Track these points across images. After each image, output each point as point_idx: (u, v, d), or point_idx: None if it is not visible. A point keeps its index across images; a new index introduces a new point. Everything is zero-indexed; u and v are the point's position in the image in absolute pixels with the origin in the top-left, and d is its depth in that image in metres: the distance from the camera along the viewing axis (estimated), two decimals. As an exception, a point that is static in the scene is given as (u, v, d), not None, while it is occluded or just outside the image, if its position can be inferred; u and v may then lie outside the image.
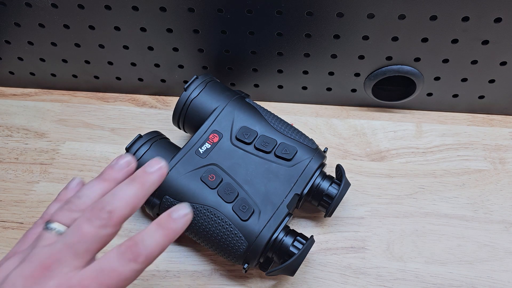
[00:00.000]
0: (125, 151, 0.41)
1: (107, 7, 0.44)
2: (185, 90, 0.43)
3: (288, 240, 0.39)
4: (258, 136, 0.41)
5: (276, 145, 0.41)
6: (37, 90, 0.56)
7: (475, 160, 0.48)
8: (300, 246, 0.38)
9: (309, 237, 0.39)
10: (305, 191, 0.40)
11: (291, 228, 0.40)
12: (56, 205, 0.32)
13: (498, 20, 0.40)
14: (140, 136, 0.42)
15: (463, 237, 0.44)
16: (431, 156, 0.49)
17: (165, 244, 0.29)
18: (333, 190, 0.41)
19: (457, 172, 0.48)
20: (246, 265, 0.38)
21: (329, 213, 0.41)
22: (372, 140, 0.50)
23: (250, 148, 0.41)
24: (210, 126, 0.42)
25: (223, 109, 0.42)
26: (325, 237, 0.44)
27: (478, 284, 0.41)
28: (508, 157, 0.48)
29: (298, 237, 0.39)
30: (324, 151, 0.43)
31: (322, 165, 0.42)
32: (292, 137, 0.42)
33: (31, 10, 0.45)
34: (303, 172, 0.40)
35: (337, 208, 0.42)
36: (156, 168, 0.30)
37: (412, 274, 0.42)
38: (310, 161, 0.41)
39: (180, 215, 0.30)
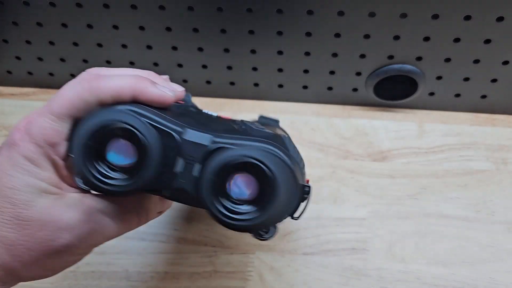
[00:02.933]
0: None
1: (106, 6, 0.43)
2: None
3: None
4: None
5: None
6: (35, 89, 0.56)
7: (477, 160, 0.48)
8: None
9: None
10: None
11: None
12: None
13: (500, 19, 0.40)
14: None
15: (465, 238, 0.44)
16: (433, 156, 0.48)
17: None
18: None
19: (460, 172, 0.47)
20: None
21: None
22: (373, 140, 0.50)
23: None
24: None
25: None
26: (326, 238, 0.44)
27: (480, 286, 0.41)
28: (510, 157, 0.48)
29: None
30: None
31: None
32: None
33: (29, 8, 0.45)
34: None
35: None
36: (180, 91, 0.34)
37: (414, 276, 0.42)
38: None
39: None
